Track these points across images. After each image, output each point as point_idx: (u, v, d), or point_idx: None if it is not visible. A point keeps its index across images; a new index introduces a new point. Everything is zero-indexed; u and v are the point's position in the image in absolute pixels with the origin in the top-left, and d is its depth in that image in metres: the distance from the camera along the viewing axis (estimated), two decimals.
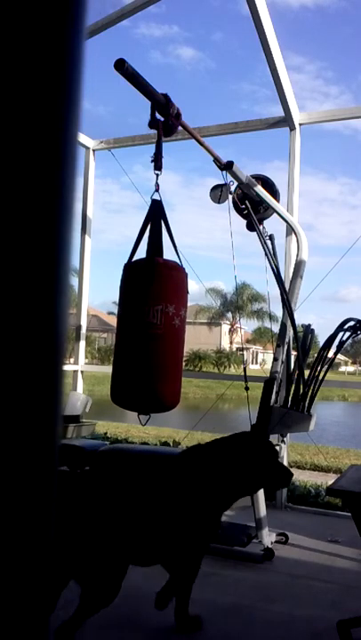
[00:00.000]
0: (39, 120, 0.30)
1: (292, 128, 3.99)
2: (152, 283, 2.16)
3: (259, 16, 3.37)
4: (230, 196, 2.89)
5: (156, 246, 2.33)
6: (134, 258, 2.38)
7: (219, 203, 2.75)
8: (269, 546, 2.89)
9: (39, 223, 0.31)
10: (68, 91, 0.32)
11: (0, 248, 0.30)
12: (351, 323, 2.88)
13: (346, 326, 2.88)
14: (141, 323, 2.13)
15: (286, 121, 3.98)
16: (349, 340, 2.97)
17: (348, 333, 2.87)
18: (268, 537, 2.93)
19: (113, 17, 3.90)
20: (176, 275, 2.24)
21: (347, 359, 45.56)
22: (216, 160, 2.69)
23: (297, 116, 3.97)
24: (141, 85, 2.15)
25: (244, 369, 3.27)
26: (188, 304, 2.28)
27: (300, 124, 4.01)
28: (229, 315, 36.55)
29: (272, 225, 3.27)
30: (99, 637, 1.94)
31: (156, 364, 2.19)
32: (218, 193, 2.73)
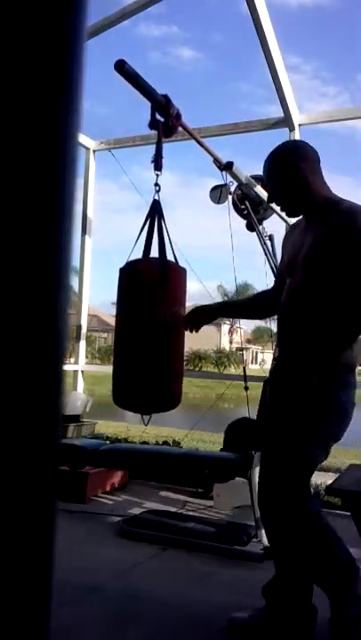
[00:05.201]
0: (39, 121, 0.31)
1: (292, 129, 4.00)
2: (167, 283, 2.18)
3: (258, 16, 3.37)
4: (230, 197, 2.90)
5: (161, 246, 2.35)
6: (133, 258, 2.39)
7: (218, 203, 2.76)
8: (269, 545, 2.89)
9: (39, 224, 0.31)
10: (69, 91, 0.32)
11: (0, 248, 0.30)
12: None
13: None
14: (155, 323, 2.15)
15: (286, 121, 3.98)
16: None
17: None
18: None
19: (113, 17, 3.90)
20: (183, 275, 2.28)
21: None
22: (216, 160, 2.69)
23: (296, 117, 3.97)
24: (141, 86, 2.16)
25: (244, 369, 3.27)
26: (188, 304, 2.30)
27: (300, 125, 4.01)
28: None
29: (272, 225, 3.28)
30: (104, 634, 1.94)
31: (170, 365, 2.23)
32: (217, 193, 2.74)
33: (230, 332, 38.14)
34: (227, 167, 2.66)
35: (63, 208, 0.33)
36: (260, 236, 3.03)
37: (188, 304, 2.31)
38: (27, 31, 0.30)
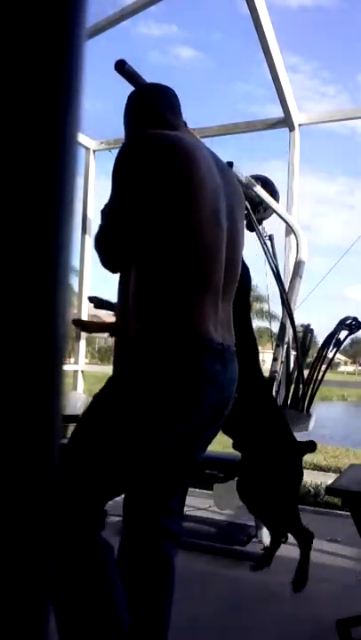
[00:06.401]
0: (39, 121, 0.31)
1: (292, 129, 3.99)
2: None
3: (258, 16, 3.37)
4: None
5: None
6: None
7: None
8: (269, 545, 2.89)
9: (39, 223, 0.31)
10: (69, 91, 0.32)
11: None
12: (349, 321, 2.88)
13: (345, 324, 2.89)
14: None
15: (286, 121, 3.98)
16: (348, 340, 2.98)
17: (345, 332, 2.88)
18: (268, 536, 2.93)
19: (113, 18, 3.90)
20: None
21: (346, 359, 45.55)
22: None
23: (297, 117, 3.97)
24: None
25: None
26: None
27: (300, 125, 4.01)
28: None
29: (272, 225, 3.28)
30: None
31: None
32: None
33: None
34: None
35: (63, 208, 0.33)
36: (259, 235, 3.03)
37: None
38: (26, 31, 0.30)
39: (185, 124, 1.66)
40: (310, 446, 2.55)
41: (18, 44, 0.30)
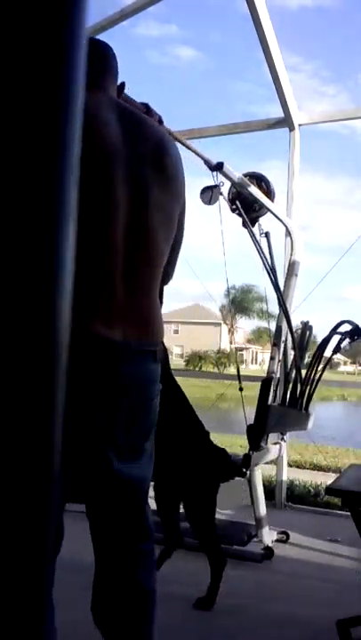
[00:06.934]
0: (39, 120, 0.31)
1: (292, 129, 3.99)
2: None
3: (258, 16, 3.37)
4: (225, 196, 2.89)
5: None
6: None
7: (210, 204, 2.73)
8: (270, 545, 2.89)
9: (39, 223, 0.31)
10: (68, 92, 0.32)
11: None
12: (348, 327, 2.87)
13: (343, 331, 2.87)
14: None
15: (286, 121, 3.98)
16: (347, 346, 2.97)
17: (346, 338, 2.87)
18: (269, 536, 2.93)
19: (113, 18, 3.90)
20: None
21: (346, 359, 45.56)
22: (206, 162, 2.68)
23: (297, 117, 3.97)
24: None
25: (238, 369, 3.28)
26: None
27: (300, 125, 4.01)
28: (236, 315, 36.52)
29: (272, 224, 3.27)
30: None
31: None
32: (209, 194, 2.71)
33: (230, 331, 38.18)
34: (217, 168, 2.65)
35: (63, 208, 0.33)
36: (251, 234, 3.01)
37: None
38: (26, 30, 0.30)
39: (121, 88, 1.47)
40: (231, 473, 2.57)
41: (18, 44, 0.30)
